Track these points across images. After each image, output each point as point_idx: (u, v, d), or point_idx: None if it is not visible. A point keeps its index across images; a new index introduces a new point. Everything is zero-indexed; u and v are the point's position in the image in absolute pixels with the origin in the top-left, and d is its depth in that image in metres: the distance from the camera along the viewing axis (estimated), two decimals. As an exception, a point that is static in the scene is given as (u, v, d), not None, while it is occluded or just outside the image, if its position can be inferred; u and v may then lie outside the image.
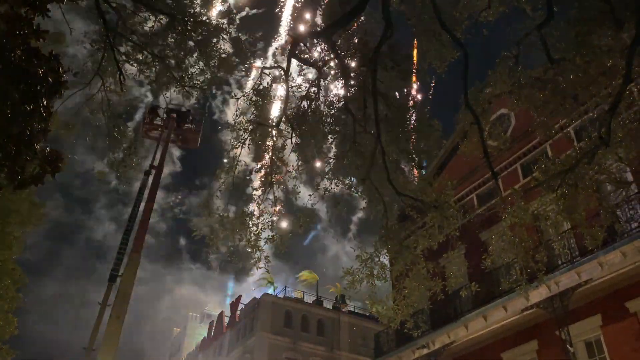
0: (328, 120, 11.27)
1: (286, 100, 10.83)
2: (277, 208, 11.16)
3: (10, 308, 18.77)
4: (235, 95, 10.76)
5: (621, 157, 10.56)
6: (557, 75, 10.25)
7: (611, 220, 13.46)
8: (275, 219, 11.02)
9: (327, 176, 11.58)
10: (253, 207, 10.85)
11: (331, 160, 11.67)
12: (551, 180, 10.22)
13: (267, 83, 10.72)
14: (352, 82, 10.84)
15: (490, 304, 20.55)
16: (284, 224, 11.15)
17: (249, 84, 11.19)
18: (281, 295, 48.31)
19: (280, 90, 10.98)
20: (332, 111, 11.26)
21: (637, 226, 16.74)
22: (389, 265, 11.93)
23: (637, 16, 9.04)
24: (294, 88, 11.44)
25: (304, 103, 11.16)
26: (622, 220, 16.86)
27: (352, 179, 11.69)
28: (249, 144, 10.75)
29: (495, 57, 11.22)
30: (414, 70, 11.47)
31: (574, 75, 10.02)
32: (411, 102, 11.11)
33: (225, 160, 11.41)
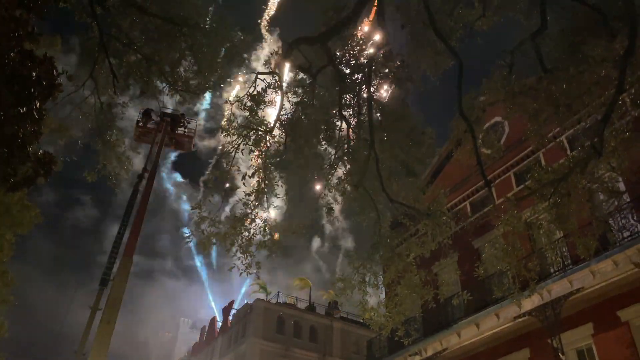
0: (322, 127, 11.27)
1: (281, 105, 10.83)
2: (270, 214, 11.14)
3: (0, 311, 18.59)
4: (229, 100, 10.74)
5: (613, 167, 10.62)
6: (551, 84, 10.30)
7: (603, 229, 13.51)
8: (267, 224, 10.99)
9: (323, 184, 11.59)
10: (245, 211, 10.80)
11: (325, 167, 11.68)
12: (544, 188, 10.26)
13: (262, 88, 10.72)
14: (347, 89, 10.86)
15: (482, 312, 20.55)
16: (277, 230, 11.11)
17: (244, 89, 11.17)
18: (274, 301, 48.14)
19: (274, 95, 10.97)
20: (326, 117, 11.27)
21: (629, 235, 16.81)
22: (381, 273, 11.92)
23: (630, 27, 9.12)
24: (289, 94, 11.44)
25: (298, 109, 11.17)
26: (614, 229, 16.92)
27: (346, 186, 11.67)
28: (242, 149, 10.73)
29: (489, 66, 11.29)
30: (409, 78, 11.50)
31: (567, 84, 10.08)
32: (405, 110, 11.10)
33: (217, 165, 11.42)
